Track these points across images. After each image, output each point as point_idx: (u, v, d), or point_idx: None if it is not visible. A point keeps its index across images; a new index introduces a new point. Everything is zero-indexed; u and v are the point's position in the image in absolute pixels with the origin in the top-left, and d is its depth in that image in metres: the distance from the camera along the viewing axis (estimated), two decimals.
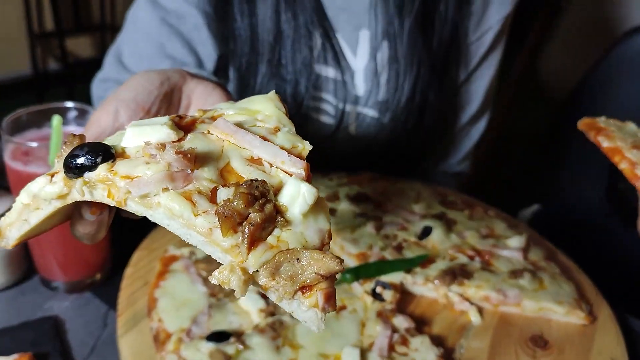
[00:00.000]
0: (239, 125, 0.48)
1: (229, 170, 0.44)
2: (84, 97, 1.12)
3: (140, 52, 1.10)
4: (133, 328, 0.75)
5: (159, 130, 0.44)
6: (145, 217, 0.43)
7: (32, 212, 0.45)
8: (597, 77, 1.50)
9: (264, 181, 0.41)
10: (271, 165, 0.45)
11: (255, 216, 0.39)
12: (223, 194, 0.41)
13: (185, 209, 0.40)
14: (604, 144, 0.77)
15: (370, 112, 1.16)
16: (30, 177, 0.45)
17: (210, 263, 0.85)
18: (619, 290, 0.95)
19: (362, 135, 1.20)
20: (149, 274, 0.85)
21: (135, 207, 0.42)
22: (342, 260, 0.39)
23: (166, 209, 0.41)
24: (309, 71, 1.08)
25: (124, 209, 0.42)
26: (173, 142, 0.44)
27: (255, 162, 0.45)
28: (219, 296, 0.80)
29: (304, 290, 0.39)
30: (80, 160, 0.42)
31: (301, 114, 1.13)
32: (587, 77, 1.53)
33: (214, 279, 0.39)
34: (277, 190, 0.43)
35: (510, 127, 2.56)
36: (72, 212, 0.48)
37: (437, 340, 0.77)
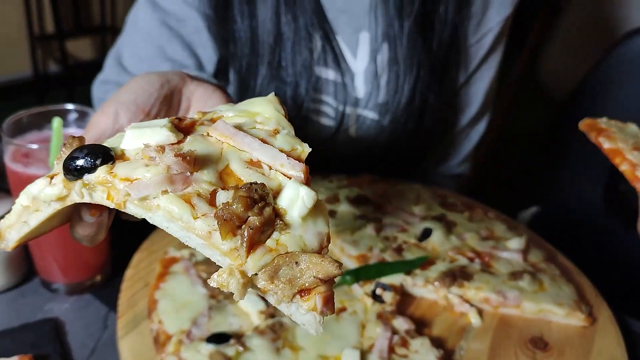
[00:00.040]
0: (238, 127, 0.48)
1: (228, 172, 0.44)
2: (84, 99, 1.12)
3: (140, 55, 1.10)
4: (133, 330, 0.75)
5: (159, 132, 0.44)
6: (145, 219, 0.43)
7: (31, 214, 0.45)
8: (597, 78, 1.50)
9: (263, 184, 0.41)
10: (270, 168, 0.45)
11: (254, 219, 0.39)
12: (222, 197, 0.41)
13: (184, 212, 0.40)
14: (605, 145, 0.77)
15: (370, 114, 1.16)
16: (31, 179, 0.45)
17: (210, 265, 0.85)
18: (619, 292, 0.95)
19: (362, 137, 1.20)
20: (149, 275, 0.85)
21: (134, 210, 0.42)
22: (340, 264, 0.39)
23: (165, 212, 0.41)
24: (309, 73, 1.08)
25: (123, 211, 0.43)
26: (172, 144, 0.44)
27: (254, 164, 0.45)
28: (219, 298, 0.80)
29: (303, 294, 0.39)
30: (80, 162, 0.42)
31: (301, 116, 1.13)
32: (587, 78, 1.53)
33: (213, 282, 0.39)
34: (276, 193, 0.43)
35: (510, 128, 2.56)
36: (72, 214, 0.48)
37: (437, 342, 0.77)
